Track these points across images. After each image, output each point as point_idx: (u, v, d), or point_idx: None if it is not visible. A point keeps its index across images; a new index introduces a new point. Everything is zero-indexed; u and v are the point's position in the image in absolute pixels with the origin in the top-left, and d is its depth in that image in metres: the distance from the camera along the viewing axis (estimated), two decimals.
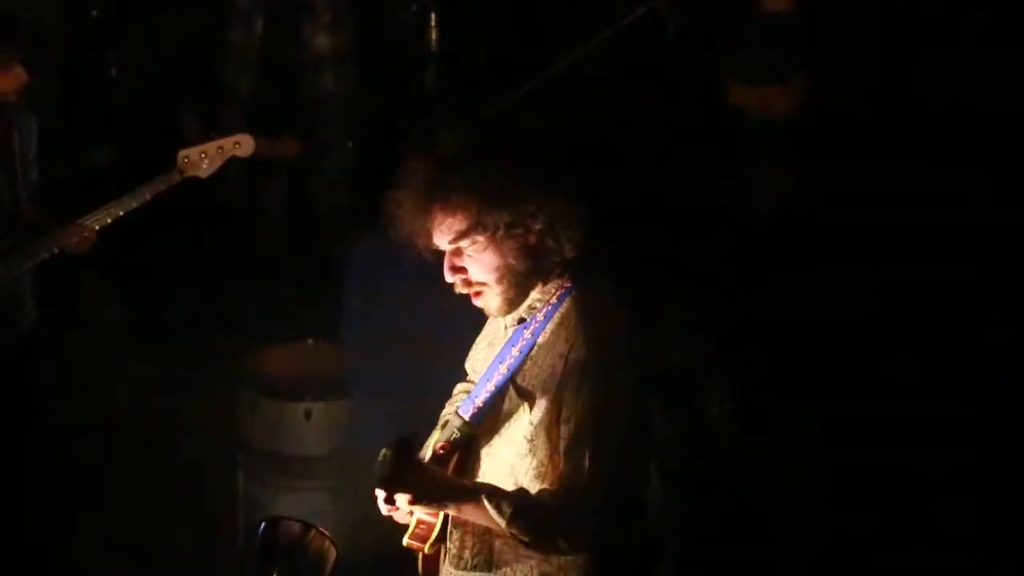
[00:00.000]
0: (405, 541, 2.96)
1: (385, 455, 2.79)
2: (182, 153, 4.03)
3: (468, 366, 3.19)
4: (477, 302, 2.90)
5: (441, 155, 2.83)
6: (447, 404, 3.22)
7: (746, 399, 4.82)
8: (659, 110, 5.59)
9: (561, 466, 2.82)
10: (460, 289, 2.88)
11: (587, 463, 2.79)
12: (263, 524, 3.14)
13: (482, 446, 2.93)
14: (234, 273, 5.36)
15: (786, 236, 5.30)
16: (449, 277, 2.86)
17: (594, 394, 2.80)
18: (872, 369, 4.97)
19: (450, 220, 2.79)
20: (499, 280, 2.84)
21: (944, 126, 5.35)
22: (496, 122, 5.02)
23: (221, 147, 4.06)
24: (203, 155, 4.03)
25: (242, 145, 4.09)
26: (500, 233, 2.78)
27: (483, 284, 2.85)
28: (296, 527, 3.09)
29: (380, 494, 2.81)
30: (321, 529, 3.08)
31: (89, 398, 4.88)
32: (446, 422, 2.99)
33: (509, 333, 2.94)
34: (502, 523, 2.79)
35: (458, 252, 2.83)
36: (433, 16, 5.91)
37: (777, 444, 4.71)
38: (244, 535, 4.31)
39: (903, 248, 5.24)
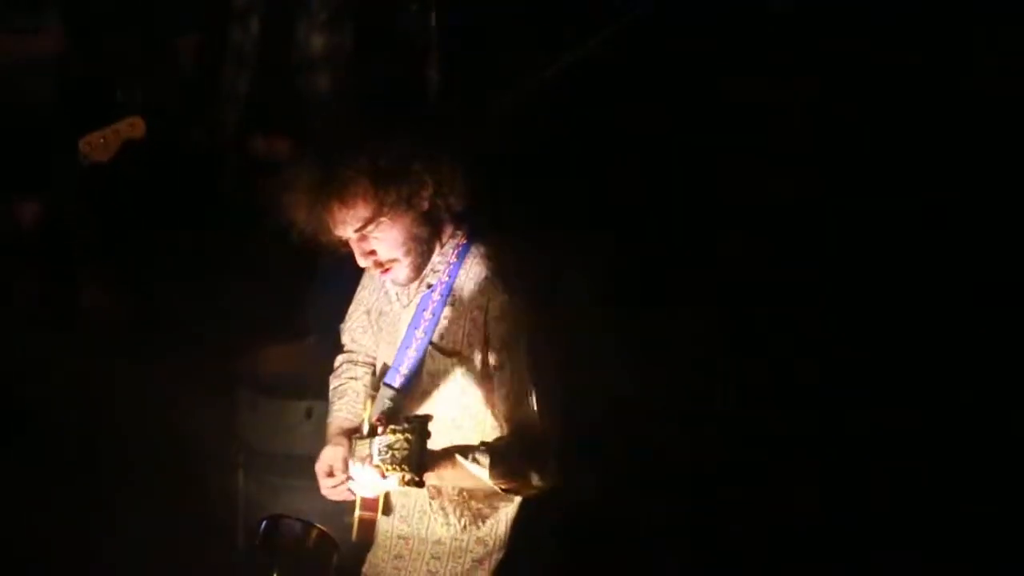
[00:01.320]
0: (357, 514, 3.07)
1: (407, 438, 2.81)
2: (83, 140, 4.16)
3: (347, 337, 3.34)
4: (387, 276, 3.03)
5: (322, 150, 2.95)
6: (331, 378, 3.34)
7: (747, 397, 4.82)
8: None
9: (509, 409, 2.97)
10: (372, 270, 3.03)
11: (534, 399, 2.96)
12: (264, 523, 3.16)
13: (415, 411, 3.03)
14: (234, 272, 5.34)
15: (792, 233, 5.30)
16: (363, 262, 3.00)
17: (523, 335, 2.96)
18: (873, 367, 4.96)
19: (352, 211, 2.91)
20: (407, 252, 2.97)
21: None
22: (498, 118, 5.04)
23: (117, 130, 4.17)
24: (103, 140, 4.15)
25: (135, 127, 4.19)
26: (401, 208, 2.90)
27: (393, 260, 2.98)
28: (297, 526, 3.11)
29: (390, 483, 2.85)
30: (321, 528, 3.08)
31: (88, 397, 4.86)
32: (372, 398, 3.11)
33: (415, 300, 3.05)
34: (484, 475, 2.93)
35: (364, 237, 2.95)
36: (433, 16, 5.89)
37: (777, 443, 4.71)
38: (244, 534, 4.30)
39: (908, 247, 5.24)
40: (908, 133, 5.35)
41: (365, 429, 3.08)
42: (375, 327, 3.22)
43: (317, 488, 4.27)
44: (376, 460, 2.81)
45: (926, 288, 5.08)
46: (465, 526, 3.09)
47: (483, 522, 3.08)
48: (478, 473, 2.93)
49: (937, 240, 5.22)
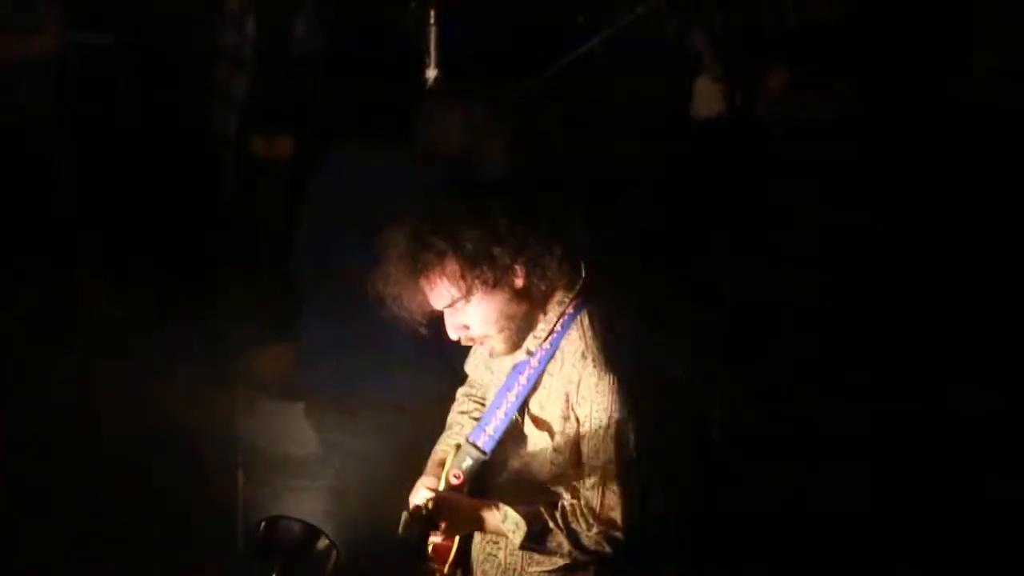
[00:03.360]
0: (428, 564, 3.01)
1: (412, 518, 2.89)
2: None
3: (470, 367, 3.25)
4: (484, 347, 2.97)
5: (414, 225, 2.85)
6: (453, 409, 3.26)
7: (746, 405, 4.82)
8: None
9: (584, 486, 2.88)
10: (466, 342, 2.95)
11: (610, 484, 2.86)
12: (263, 524, 3.14)
13: (498, 473, 2.98)
14: (233, 272, 5.35)
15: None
16: (453, 336, 2.92)
17: (609, 415, 2.84)
18: (871, 368, 4.97)
19: (438, 290, 2.84)
20: (500, 329, 2.89)
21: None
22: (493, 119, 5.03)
23: None
24: None
25: None
26: (489, 288, 2.82)
27: (486, 336, 2.91)
28: (296, 527, 3.08)
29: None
30: (321, 529, 3.07)
31: (87, 398, 4.87)
32: (458, 447, 3.03)
33: (513, 360, 2.97)
34: (515, 542, 2.89)
35: (455, 312, 2.88)
36: (432, 14, 5.92)
37: (774, 450, 4.71)
38: (244, 535, 4.30)
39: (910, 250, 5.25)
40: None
41: (442, 483, 3.03)
42: (491, 366, 3.12)
43: (316, 489, 4.30)
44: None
45: (925, 289, 5.09)
46: (511, 563, 3.02)
47: (530, 567, 3.00)
48: (512, 537, 2.90)
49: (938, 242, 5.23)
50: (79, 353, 5.08)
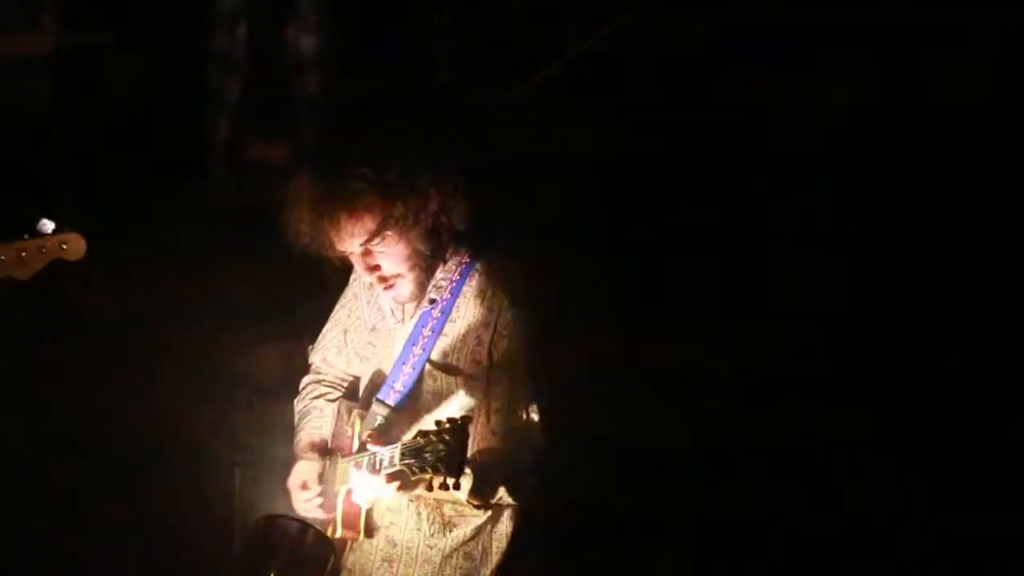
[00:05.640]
0: (340, 533, 3.05)
1: (445, 440, 2.80)
2: None
3: (318, 356, 3.30)
4: (390, 293, 3.01)
5: (329, 162, 2.93)
6: (296, 401, 3.33)
7: (743, 396, 4.82)
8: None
9: (498, 423, 2.97)
10: (377, 285, 3.01)
11: (525, 418, 2.98)
12: (261, 523, 3.15)
13: (410, 428, 3.00)
14: (232, 273, 5.35)
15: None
16: (366, 277, 3.00)
17: (524, 353, 2.97)
18: (868, 366, 4.97)
19: (358, 224, 2.89)
20: (411, 268, 2.97)
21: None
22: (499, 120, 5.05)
23: (43, 248, 3.39)
24: (22, 253, 3.37)
25: (70, 246, 3.39)
26: (408, 222, 2.89)
27: (397, 275, 2.97)
28: (293, 526, 3.11)
29: (376, 485, 2.88)
30: (318, 528, 3.08)
31: (86, 398, 4.86)
32: (363, 414, 3.07)
33: (415, 316, 3.03)
34: (463, 497, 2.93)
35: (369, 252, 2.93)
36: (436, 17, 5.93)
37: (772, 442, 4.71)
38: (242, 535, 4.29)
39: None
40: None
41: (355, 446, 3.05)
42: (361, 344, 3.18)
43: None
44: (398, 464, 2.80)
45: (922, 290, 5.09)
46: (433, 533, 3.08)
47: (451, 530, 3.07)
48: (457, 495, 2.91)
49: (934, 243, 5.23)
50: (77, 353, 5.07)
